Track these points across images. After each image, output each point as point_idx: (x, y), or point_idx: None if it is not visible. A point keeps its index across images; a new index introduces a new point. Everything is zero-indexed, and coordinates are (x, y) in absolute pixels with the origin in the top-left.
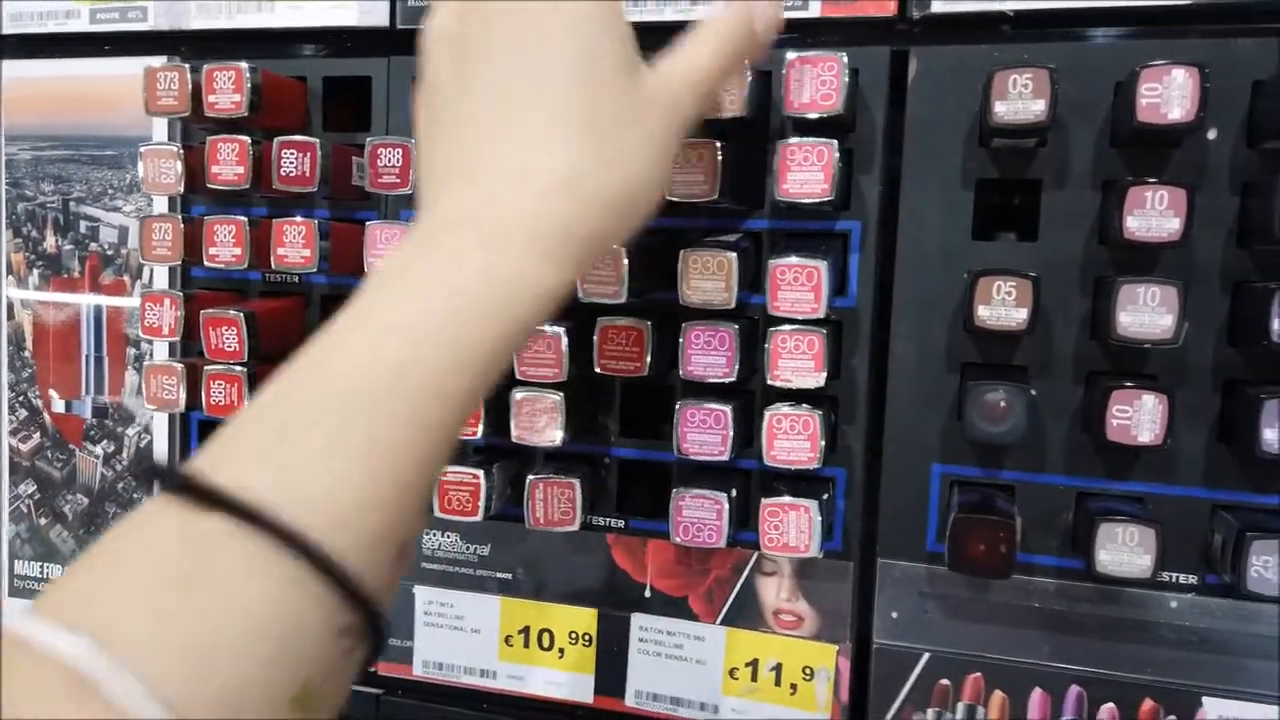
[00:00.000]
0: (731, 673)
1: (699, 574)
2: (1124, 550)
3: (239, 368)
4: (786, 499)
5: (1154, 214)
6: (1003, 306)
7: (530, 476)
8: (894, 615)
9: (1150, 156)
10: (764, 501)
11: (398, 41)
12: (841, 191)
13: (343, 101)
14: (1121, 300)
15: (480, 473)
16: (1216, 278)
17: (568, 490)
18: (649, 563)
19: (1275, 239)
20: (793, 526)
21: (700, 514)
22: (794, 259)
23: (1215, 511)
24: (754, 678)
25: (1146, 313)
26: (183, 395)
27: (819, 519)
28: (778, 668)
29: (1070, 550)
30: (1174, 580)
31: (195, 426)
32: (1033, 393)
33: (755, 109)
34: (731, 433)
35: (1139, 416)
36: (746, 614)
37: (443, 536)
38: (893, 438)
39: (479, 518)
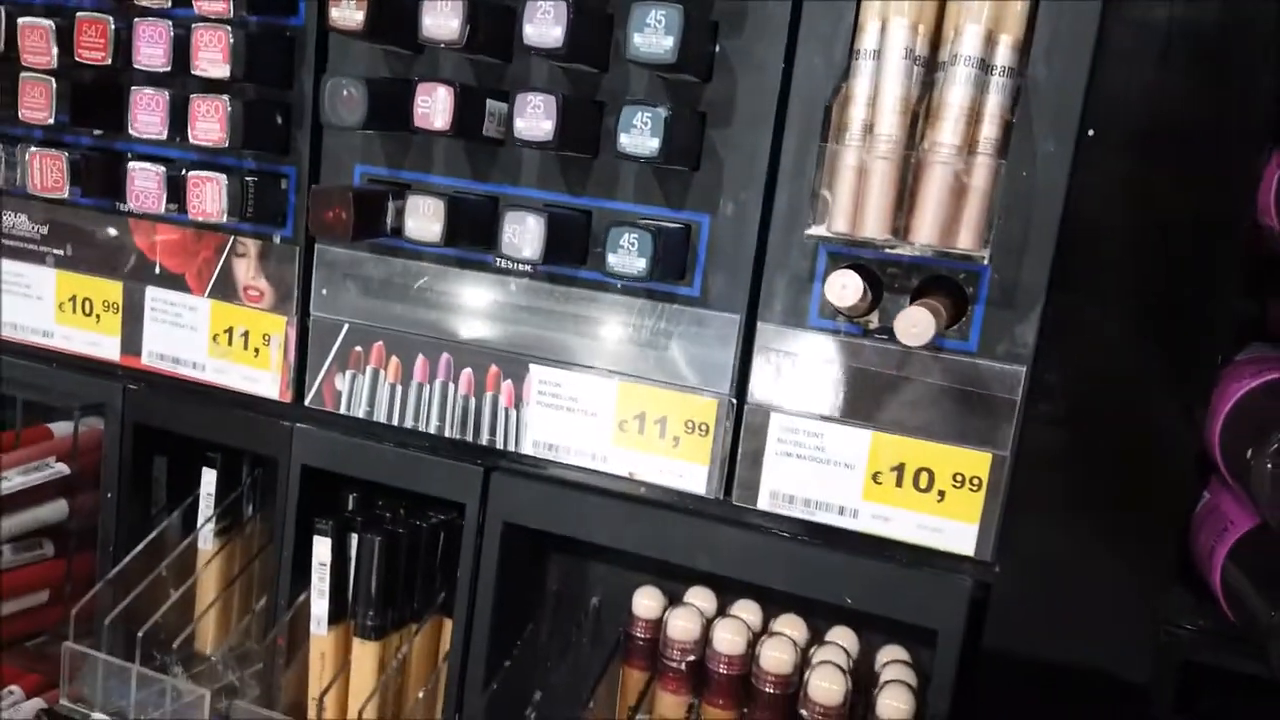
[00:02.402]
0: (214, 338)
1: (193, 255)
2: (423, 220)
3: None
4: (206, 172)
5: None
6: (348, 9)
7: (30, 149)
8: (324, 292)
9: None
10: (187, 175)
11: None
12: None
13: None
14: (425, 13)
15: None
16: None
17: (58, 161)
18: (157, 244)
19: None
20: (209, 196)
21: (145, 184)
22: None
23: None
24: (229, 343)
25: (442, 17)
26: None
27: (229, 190)
28: (245, 334)
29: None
30: (515, 267)
31: None
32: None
33: None
34: (167, 114)
35: (435, 105)
36: (227, 289)
37: (15, 216)
38: (326, 139)
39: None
